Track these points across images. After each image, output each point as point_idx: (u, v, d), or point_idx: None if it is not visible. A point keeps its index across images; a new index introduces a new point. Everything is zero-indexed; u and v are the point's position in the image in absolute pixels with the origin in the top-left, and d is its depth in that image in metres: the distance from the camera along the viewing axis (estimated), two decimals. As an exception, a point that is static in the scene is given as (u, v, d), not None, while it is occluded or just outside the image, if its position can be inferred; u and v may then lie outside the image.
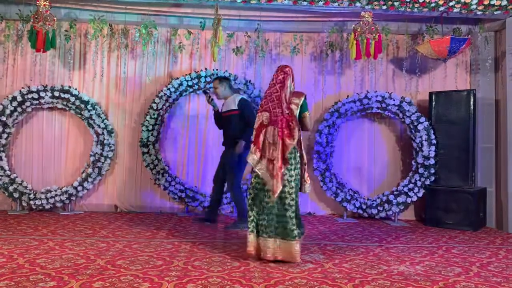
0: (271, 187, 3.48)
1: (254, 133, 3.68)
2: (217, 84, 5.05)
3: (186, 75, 5.83)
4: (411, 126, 5.68)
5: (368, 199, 5.78)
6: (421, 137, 5.59)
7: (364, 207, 5.69)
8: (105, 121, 5.74)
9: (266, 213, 3.54)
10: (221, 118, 5.09)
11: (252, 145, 3.63)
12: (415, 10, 5.27)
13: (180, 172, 6.01)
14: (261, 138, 3.60)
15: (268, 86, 3.76)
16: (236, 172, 4.92)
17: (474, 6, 5.16)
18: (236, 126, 4.88)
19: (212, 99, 5.06)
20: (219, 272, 3.20)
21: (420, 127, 5.59)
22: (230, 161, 4.90)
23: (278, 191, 3.45)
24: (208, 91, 5.44)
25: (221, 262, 3.50)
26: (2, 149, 5.58)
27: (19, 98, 5.55)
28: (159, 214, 5.75)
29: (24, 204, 5.59)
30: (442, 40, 5.22)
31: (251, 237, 3.58)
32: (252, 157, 3.59)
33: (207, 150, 6.06)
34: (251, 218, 3.59)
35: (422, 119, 5.60)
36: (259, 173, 3.57)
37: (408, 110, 5.63)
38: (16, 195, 5.53)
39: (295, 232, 3.48)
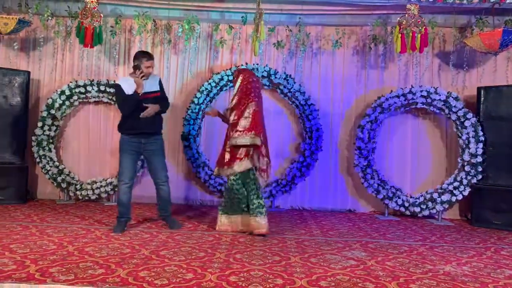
0: None
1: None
2: (153, 63, 4.32)
3: (227, 69, 5.87)
4: (458, 122, 5.48)
5: (411, 197, 5.63)
6: (468, 133, 5.39)
7: (406, 205, 5.55)
8: (148, 114, 5.86)
9: None
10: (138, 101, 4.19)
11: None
12: (464, 1, 5.08)
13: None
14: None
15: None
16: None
17: (528, -4, 4.92)
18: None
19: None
20: (260, 266, 3.21)
21: (467, 123, 5.38)
22: (162, 148, 4.43)
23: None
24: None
25: (262, 256, 3.51)
26: (51, 141, 5.81)
27: (67, 92, 5.76)
28: (199, 206, 5.84)
29: (71, 194, 5.82)
30: (493, 32, 4.99)
31: None
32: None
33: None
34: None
35: (470, 115, 5.39)
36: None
37: (454, 106, 5.43)
38: (63, 185, 5.76)
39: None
